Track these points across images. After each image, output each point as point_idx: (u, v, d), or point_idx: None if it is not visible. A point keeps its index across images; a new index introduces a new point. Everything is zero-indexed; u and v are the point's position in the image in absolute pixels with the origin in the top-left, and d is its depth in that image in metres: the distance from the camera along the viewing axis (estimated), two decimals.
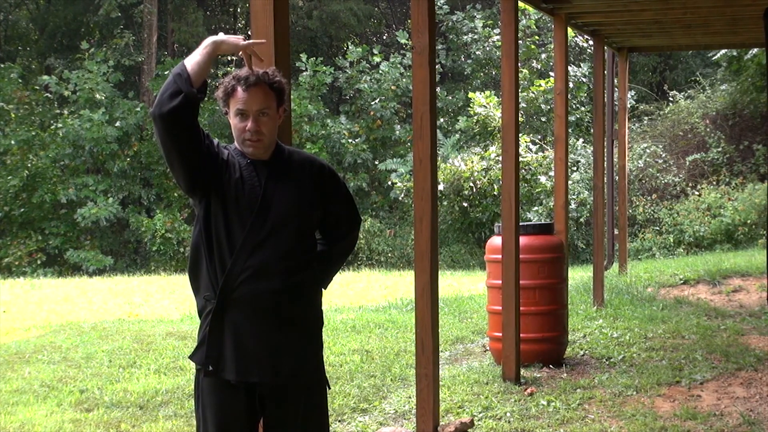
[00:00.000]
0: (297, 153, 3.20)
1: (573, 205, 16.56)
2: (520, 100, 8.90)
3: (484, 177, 17.29)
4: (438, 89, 21.48)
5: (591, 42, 12.65)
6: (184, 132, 2.92)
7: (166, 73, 22.16)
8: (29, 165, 20.64)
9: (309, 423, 3.14)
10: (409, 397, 6.11)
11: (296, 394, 3.10)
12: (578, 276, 12.01)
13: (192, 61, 2.96)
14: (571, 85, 18.62)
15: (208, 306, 3.04)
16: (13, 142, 20.59)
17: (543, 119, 19.37)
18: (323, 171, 3.19)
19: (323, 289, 3.26)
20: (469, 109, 19.72)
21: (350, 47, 22.98)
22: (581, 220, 16.94)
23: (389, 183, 19.90)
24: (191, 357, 3.10)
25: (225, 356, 3.01)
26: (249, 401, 3.07)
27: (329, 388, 3.28)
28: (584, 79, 19.99)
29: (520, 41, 17.92)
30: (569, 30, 10.55)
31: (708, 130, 18.15)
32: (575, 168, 17.76)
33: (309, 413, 3.13)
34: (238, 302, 2.99)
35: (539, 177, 17.35)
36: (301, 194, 3.08)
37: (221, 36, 3.04)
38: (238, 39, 3.05)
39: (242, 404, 3.06)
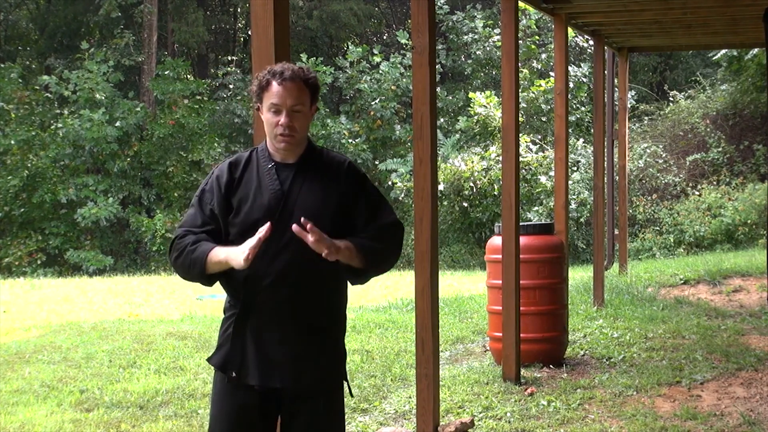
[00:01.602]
0: (327, 153, 3.11)
1: (573, 205, 16.56)
2: (520, 100, 8.91)
3: (484, 177, 17.29)
4: (438, 89, 21.47)
5: (591, 42, 12.65)
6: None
7: (166, 72, 22.16)
8: (29, 165, 20.65)
9: (327, 430, 3.11)
10: (409, 397, 6.11)
11: (315, 399, 3.06)
12: (578, 276, 12.01)
13: (211, 263, 2.95)
14: (571, 85, 18.62)
15: (231, 309, 3.03)
16: (13, 142, 20.60)
17: (543, 119, 19.38)
18: (350, 172, 3.08)
19: (360, 282, 3.07)
20: (469, 109, 19.72)
21: (350, 47, 23.00)
22: (581, 220, 16.93)
23: (389, 183, 19.90)
24: (210, 360, 3.07)
25: (247, 362, 2.99)
26: (263, 401, 3.05)
27: (352, 396, 3.23)
28: (584, 79, 19.99)
29: (520, 41, 17.91)
30: (569, 30, 10.55)
31: (708, 130, 18.15)
32: (575, 168, 17.76)
33: (327, 420, 3.10)
34: (260, 308, 2.96)
35: (539, 177, 17.35)
36: (326, 196, 3.01)
37: (232, 257, 2.90)
38: (239, 261, 2.87)
39: (255, 404, 3.04)
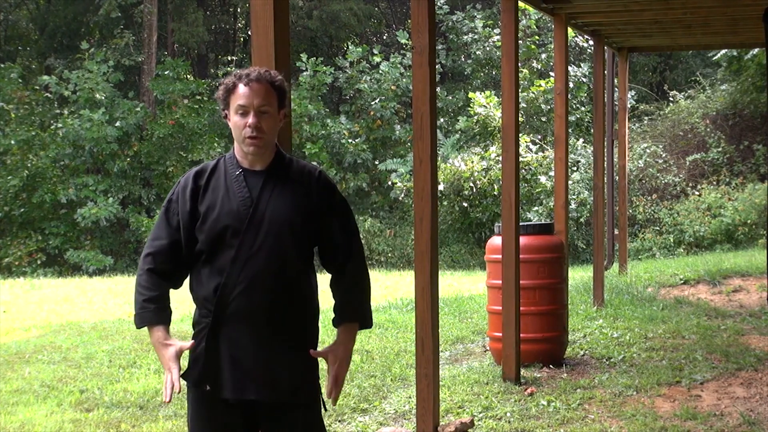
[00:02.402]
0: (297, 162, 3.09)
1: (573, 205, 16.56)
2: (520, 100, 8.90)
3: (484, 177, 17.29)
4: (438, 89, 21.48)
5: (591, 42, 12.65)
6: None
7: (166, 72, 22.16)
8: (29, 165, 20.64)
9: None
10: (409, 397, 6.11)
11: (293, 411, 3.01)
12: (578, 276, 12.01)
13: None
14: (571, 85, 18.62)
15: (202, 322, 2.99)
16: (13, 142, 20.60)
17: (543, 119, 19.37)
18: (321, 182, 3.06)
19: (368, 326, 3.13)
20: (469, 109, 19.72)
21: (350, 47, 22.99)
22: (581, 220, 16.94)
23: (389, 183, 19.90)
24: (184, 376, 2.99)
25: (222, 374, 2.93)
26: (245, 417, 3.00)
27: (325, 410, 3.15)
28: (584, 79, 19.99)
29: (520, 41, 17.92)
30: (569, 30, 10.55)
31: (708, 130, 18.15)
32: (575, 168, 17.76)
33: (306, 430, 3.06)
34: (233, 317, 2.92)
35: (539, 177, 17.35)
36: (297, 205, 2.97)
37: (167, 357, 2.97)
38: (167, 370, 2.94)
39: (237, 421, 2.99)
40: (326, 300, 3.10)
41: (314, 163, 3.21)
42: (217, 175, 3.01)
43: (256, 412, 3.01)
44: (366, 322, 3.11)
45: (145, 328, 3.07)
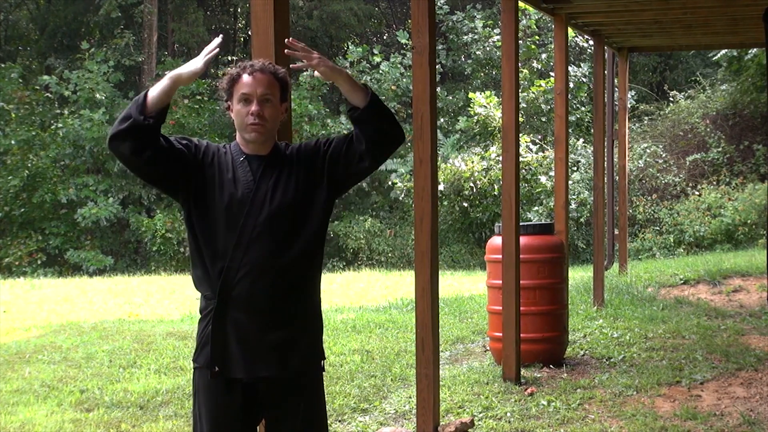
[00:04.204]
0: (289, 145, 3.19)
1: (573, 205, 16.56)
2: (520, 100, 8.91)
3: (485, 177, 17.29)
4: (438, 89, 21.44)
5: (591, 42, 12.65)
6: (132, 154, 2.94)
7: (166, 72, 22.21)
8: (29, 165, 20.65)
9: (310, 422, 3.11)
10: (410, 397, 6.11)
11: (298, 393, 3.08)
12: (578, 276, 12.01)
13: (154, 90, 2.99)
14: (571, 85, 18.62)
15: (209, 306, 3.03)
16: (13, 142, 20.60)
17: (543, 119, 19.37)
18: (298, 152, 3.13)
19: (368, 129, 3.04)
20: (469, 109, 19.72)
21: (350, 47, 22.98)
22: (581, 220, 16.93)
23: (389, 183, 19.90)
24: (195, 359, 3.06)
25: (231, 355, 2.99)
26: (247, 401, 3.05)
27: (324, 371, 3.22)
28: (584, 79, 19.98)
29: (521, 41, 17.90)
30: (569, 30, 10.55)
31: (708, 130, 18.15)
32: (575, 168, 17.76)
33: (310, 412, 3.11)
34: (237, 300, 2.97)
35: (539, 177, 17.35)
36: (296, 186, 3.05)
37: (180, 69, 3.04)
38: (196, 65, 3.02)
39: (239, 404, 3.03)
40: (326, 300, 3.10)
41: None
42: (226, 157, 3.08)
43: (261, 396, 3.05)
44: (370, 90, 3.05)
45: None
